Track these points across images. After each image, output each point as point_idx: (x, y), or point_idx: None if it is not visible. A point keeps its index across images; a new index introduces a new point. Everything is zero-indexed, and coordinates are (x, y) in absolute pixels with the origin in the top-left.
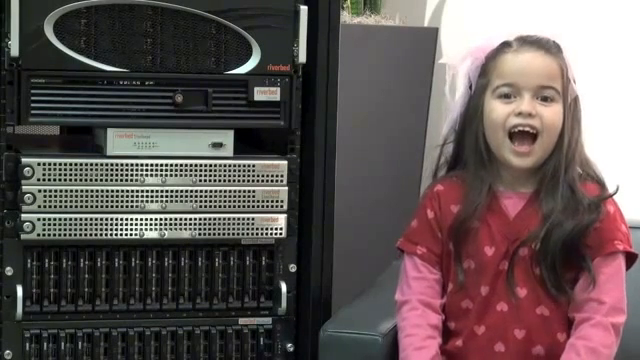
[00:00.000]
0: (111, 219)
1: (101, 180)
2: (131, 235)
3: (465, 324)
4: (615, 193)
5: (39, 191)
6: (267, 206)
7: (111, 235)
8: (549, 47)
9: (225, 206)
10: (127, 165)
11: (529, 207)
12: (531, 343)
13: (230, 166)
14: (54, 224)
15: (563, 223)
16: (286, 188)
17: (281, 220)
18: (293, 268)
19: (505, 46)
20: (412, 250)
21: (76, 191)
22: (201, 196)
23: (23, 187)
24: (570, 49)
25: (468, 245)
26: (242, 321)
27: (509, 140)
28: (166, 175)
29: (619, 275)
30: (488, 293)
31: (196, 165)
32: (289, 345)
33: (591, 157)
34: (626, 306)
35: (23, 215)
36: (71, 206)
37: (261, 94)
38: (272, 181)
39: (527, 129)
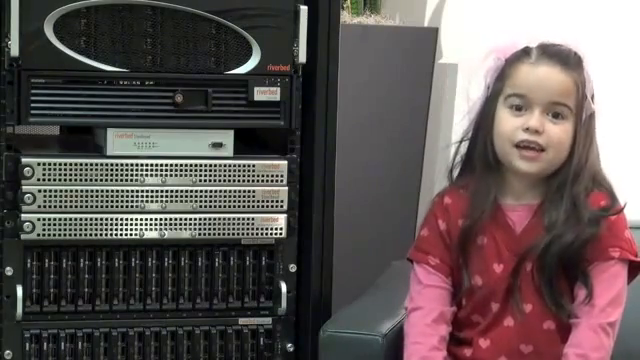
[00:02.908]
0: (111, 219)
1: (101, 180)
2: (131, 235)
3: (472, 336)
4: (620, 212)
5: (39, 191)
6: (267, 206)
7: (111, 235)
8: (568, 61)
9: (225, 206)
10: (127, 165)
11: (534, 221)
12: (539, 358)
13: (230, 166)
14: (54, 224)
15: (563, 235)
16: (286, 188)
17: (281, 220)
18: (293, 268)
19: (524, 55)
20: (424, 260)
21: (76, 191)
22: (201, 196)
23: (23, 187)
24: (592, 61)
25: (475, 260)
26: (242, 321)
27: (516, 149)
28: (166, 175)
29: (614, 280)
30: (498, 309)
31: (196, 165)
32: (289, 345)
33: (605, 171)
34: (621, 305)
35: (23, 215)
36: (71, 206)
37: (261, 94)
38: (272, 181)
39: (532, 145)
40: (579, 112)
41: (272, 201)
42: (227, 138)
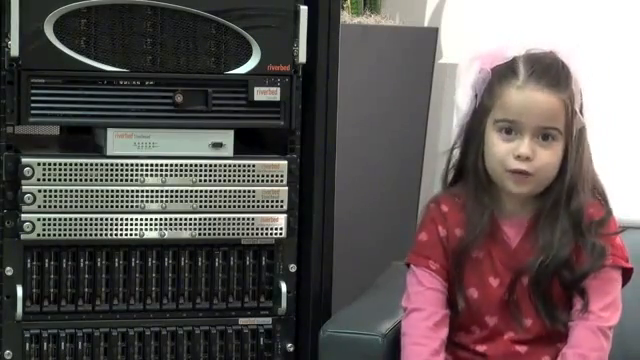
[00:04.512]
0: (111, 219)
1: (101, 180)
2: (131, 235)
3: (472, 342)
4: (622, 231)
5: (39, 191)
6: (267, 206)
7: (111, 235)
8: (557, 81)
9: (225, 206)
10: (127, 165)
11: (529, 236)
12: (536, 355)
13: (230, 166)
14: (54, 224)
15: (559, 250)
16: (286, 188)
17: (281, 220)
18: (293, 268)
19: (512, 75)
20: (425, 264)
21: (76, 191)
22: (201, 196)
23: (23, 187)
24: (581, 69)
25: (471, 274)
26: (242, 321)
27: (508, 173)
28: (166, 175)
29: (608, 286)
30: (496, 323)
31: (196, 165)
32: (289, 345)
33: (597, 174)
34: (619, 310)
35: (23, 215)
36: (71, 206)
37: (261, 94)
38: (272, 181)
39: (522, 168)
40: (569, 131)
41: (272, 201)
42: (227, 138)
